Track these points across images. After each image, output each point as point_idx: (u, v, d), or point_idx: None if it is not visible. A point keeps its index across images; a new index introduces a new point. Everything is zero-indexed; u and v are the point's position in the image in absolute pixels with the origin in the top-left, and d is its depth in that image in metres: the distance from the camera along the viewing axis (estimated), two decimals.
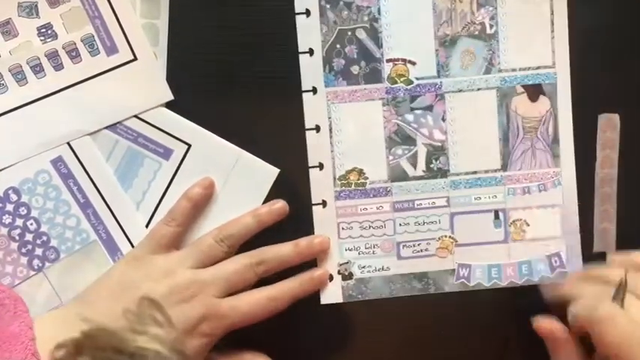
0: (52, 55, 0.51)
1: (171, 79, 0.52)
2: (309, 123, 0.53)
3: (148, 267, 0.50)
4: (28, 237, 0.52)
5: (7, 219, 0.52)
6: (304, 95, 0.52)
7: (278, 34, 0.52)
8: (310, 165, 0.53)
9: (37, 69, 0.51)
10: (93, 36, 0.51)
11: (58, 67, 0.51)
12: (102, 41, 0.51)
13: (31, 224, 0.52)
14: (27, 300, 0.49)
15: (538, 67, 0.53)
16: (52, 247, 0.52)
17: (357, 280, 0.53)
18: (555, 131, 0.53)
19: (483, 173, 0.53)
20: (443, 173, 0.53)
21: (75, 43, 0.51)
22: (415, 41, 0.52)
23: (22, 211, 0.52)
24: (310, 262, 0.53)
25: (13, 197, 0.52)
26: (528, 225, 0.53)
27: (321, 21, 0.52)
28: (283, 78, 0.52)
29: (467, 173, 0.53)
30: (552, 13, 0.52)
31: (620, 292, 0.46)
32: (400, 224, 0.53)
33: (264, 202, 0.52)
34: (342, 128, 0.53)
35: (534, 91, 0.53)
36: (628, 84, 0.53)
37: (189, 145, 0.52)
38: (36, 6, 0.50)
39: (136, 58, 0.51)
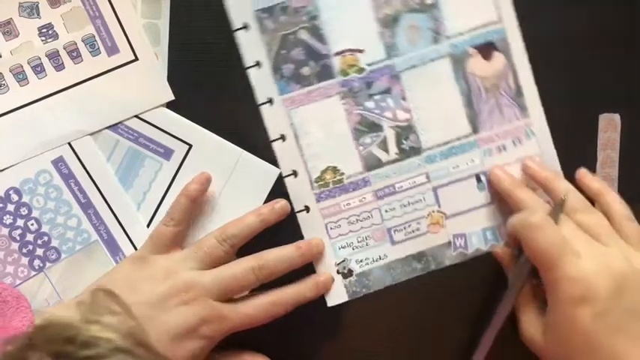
0: (53, 55, 0.51)
1: (172, 79, 0.52)
2: (273, 134, 0.52)
3: (150, 267, 0.50)
4: (29, 237, 0.52)
5: (7, 219, 0.52)
6: (262, 108, 0.52)
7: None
8: (284, 174, 0.53)
9: (38, 69, 0.51)
10: (94, 36, 0.51)
11: (59, 67, 0.51)
12: (103, 41, 0.51)
13: (32, 224, 0.52)
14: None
15: (485, 25, 0.52)
16: (53, 247, 0.52)
17: (358, 275, 0.53)
18: (517, 83, 0.53)
19: (456, 141, 0.53)
20: (416, 151, 0.53)
21: (76, 43, 0.51)
22: (358, 29, 0.52)
23: (23, 211, 0.52)
24: (306, 267, 0.52)
25: (14, 197, 0.52)
26: None
27: (261, 31, 0.51)
28: None
29: (439, 145, 0.53)
30: None
31: (558, 210, 0.48)
32: (386, 210, 0.53)
33: (265, 202, 0.52)
34: (307, 131, 0.52)
35: (486, 50, 0.52)
36: (629, 84, 0.53)
37: (190, 145, 0.52)
38: (37, 6, 0.50)
39: (136, 58, 0.51)
